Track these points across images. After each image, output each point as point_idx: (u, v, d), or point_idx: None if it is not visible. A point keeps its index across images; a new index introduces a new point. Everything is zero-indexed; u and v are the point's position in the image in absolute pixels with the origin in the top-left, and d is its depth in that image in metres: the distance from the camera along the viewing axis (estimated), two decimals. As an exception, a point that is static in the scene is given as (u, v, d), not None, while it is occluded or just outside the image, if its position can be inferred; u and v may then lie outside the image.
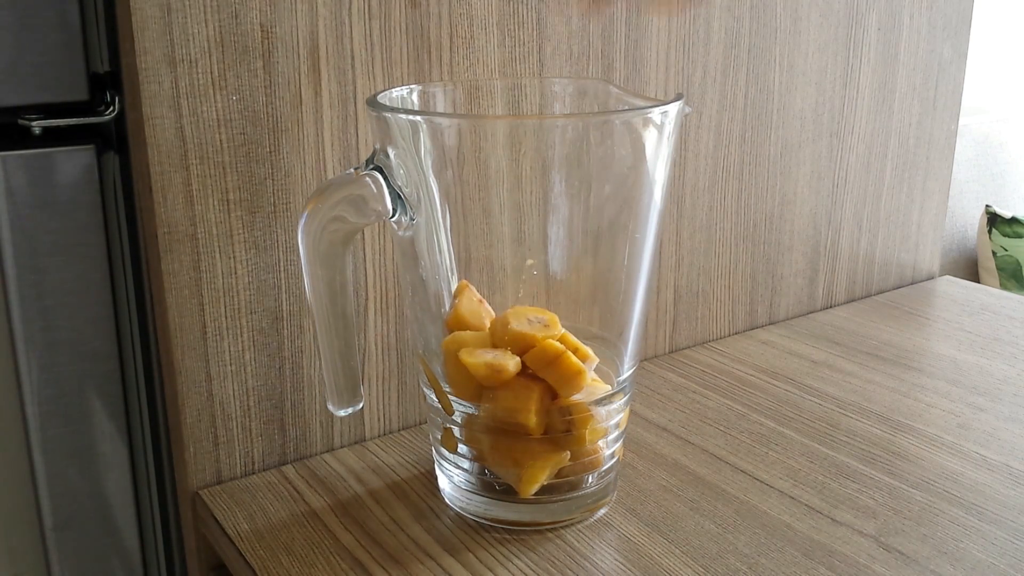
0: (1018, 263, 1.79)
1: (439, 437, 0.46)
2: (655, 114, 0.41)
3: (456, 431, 0.45)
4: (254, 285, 0.49)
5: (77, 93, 0.53)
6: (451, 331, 0.44)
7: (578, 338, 0.43)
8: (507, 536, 0.45)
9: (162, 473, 0.60)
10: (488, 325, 0.44)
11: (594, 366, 0.44)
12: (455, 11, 0.51)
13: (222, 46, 0.46)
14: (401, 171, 0.42)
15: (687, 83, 0.61)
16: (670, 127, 0.42)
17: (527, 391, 0.42)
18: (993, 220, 1.80)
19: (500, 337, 0.43)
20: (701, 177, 0.64)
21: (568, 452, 0.44)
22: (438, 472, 0.48)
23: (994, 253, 1.81)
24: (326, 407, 0.50)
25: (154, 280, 0.48)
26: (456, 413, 0.44)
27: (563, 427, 0.43)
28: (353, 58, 0.49)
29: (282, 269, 0.50)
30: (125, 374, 0.57)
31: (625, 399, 0.46)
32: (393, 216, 0.43)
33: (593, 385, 0.43)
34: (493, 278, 0.45)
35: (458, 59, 0.52)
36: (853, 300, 0.77)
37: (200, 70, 0.45)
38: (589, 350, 0.43)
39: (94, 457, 0.57)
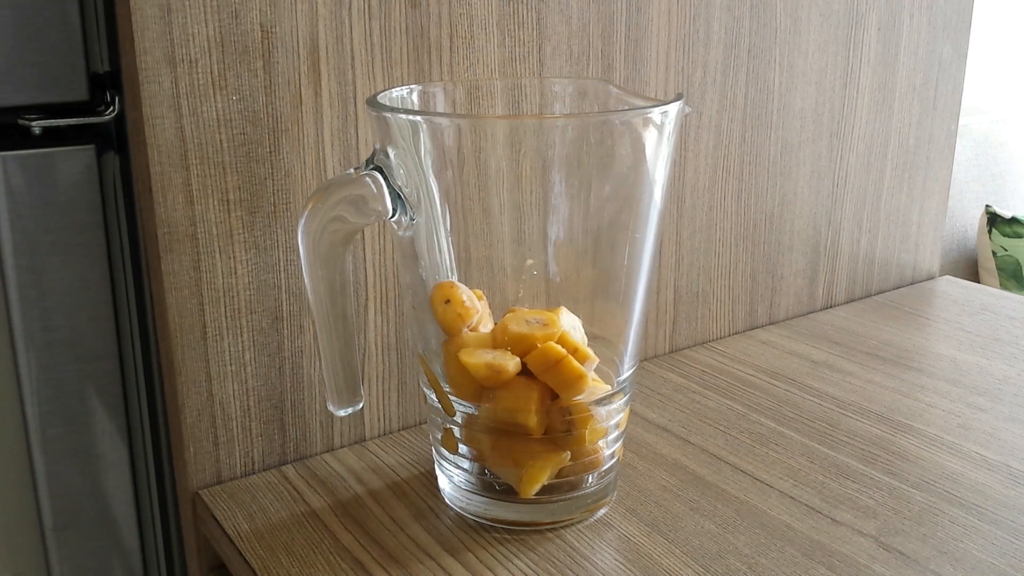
0: (1018, 263, 1.79)
1: (439, 437, 0.46)
2: (655, 114, 0.41)
3: (456, 431, 0.45)
4: (254, 285, 0.49)
5: (77, 93, 0.53)
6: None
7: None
8: (507, 536, 0.45)
9: (162, 473, 0.60)
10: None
11: (594, 366, 0.44)
12: (455, 11, 0.51)
13: (222, 46, 0.46)
14: (401, 171, 0.42)
15: (687, 83, 0.61)
16: (670, 127, 0.42)
17: (527, 391, 0.42)
18: (993, 220, 1.80)
19: (500, 340, 0.43)
20: (701, 177, 0.64)
21: (568, 452, 0.44)
22: (438, 472, 0.48)
23: (994, 253, 1.81)
24: (326, 407, 0.50)
25: (154, 280, 0.48)
26: (456, 413, 0.44)
27: (563, 427, 0.43)
28: (353, 58, 0.49)
29: (282, 269, 0.50)
30: (125, 374, 0.57)
31: (625, 399, 0.46)
32: (393, 216, 0.43)
33: (593, 385, 0.43)
34: (493, 278, 0.45)
35: (458, 59, 0.52)
36: (853, 300, 0.77)
37: (200, 70, 0.45)
38: (589, 350, 0.43)
39: (94, 457, 0.57)
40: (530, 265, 0.44)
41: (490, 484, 0.45)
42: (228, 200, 0.47)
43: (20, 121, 0.52)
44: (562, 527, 0.46)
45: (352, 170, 0.43)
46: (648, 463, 0.52)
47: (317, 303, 0.44)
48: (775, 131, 0.67)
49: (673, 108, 0.42)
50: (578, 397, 0.43)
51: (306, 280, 0.43)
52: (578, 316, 0.44)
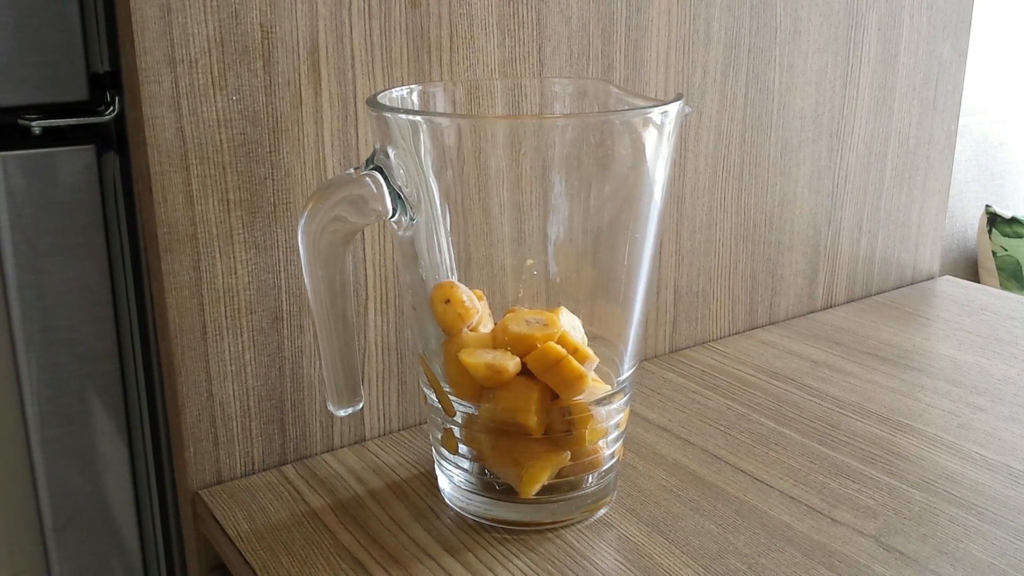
0: (1018, 263, 1.79)
1: (439, 437, 0.46)
2: (655, 114, 0.41)
3: (456, 431, 0.45)
4: (254, 285, 0.49)
5: (77, 93, 0.53)
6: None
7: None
8: (507, 536, 0.45)
9: (162, 473, 0.60)
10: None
11: (594, 366, 0.44)
12: (455, 11, 0.51)
13: (222, 46, 0.46)
14: (401, 171, 0.42)
15: (687, 83, 0.61)
16: (670, 127, 0.42)
17: (527, 391, 0.42)
18: (993, 220, 1.80)
19: (500, 340, 0.43)
20: (701, 177, 0.64)
21: (568, 452, 0.44)
22: (438, 472, 0.48)
23: (994, 253, 1.81)
24: (326, 407, 0.50)
25: (154, 280, 0.48)
26: (456, 413, 0.44)
27: (563, 427, 0.43)
28: (353, 58, 0.49)
29: (282, 269, 0.50)
30: (125, 374, 0.57)
31: (625, 399, 0.46)
32: (393, 216, 0.43)
33: (593, 385, 0.43)
34: (493, 278, 0.45)
35: (458, 59, 0.52)
36: (853, 300, 0.77)
37: (200, 70, 0.45)
38: (589, 350, 0.43)
39: (94, 457, 0.57)
40: (530, 265, 0.44)
41: (490, 484, 0.45)
42: (228, 200, 0.47)
43: (20, 121, 0.52)
44: (562, 527, 0.46)
45: (352, 170, 0.43)
46: (648, 463, 0.52)
47: (317, 303, 0.44)
48: (775, 131, 0.67)
49: (673, 108, 0.42)
50: (578, 397, 0.43)
51: (306, 280, 0.43)
52: (578, 316, 0.44)
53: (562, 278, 0.44)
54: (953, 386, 0.61)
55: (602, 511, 0.47)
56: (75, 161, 0.53)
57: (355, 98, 0.50)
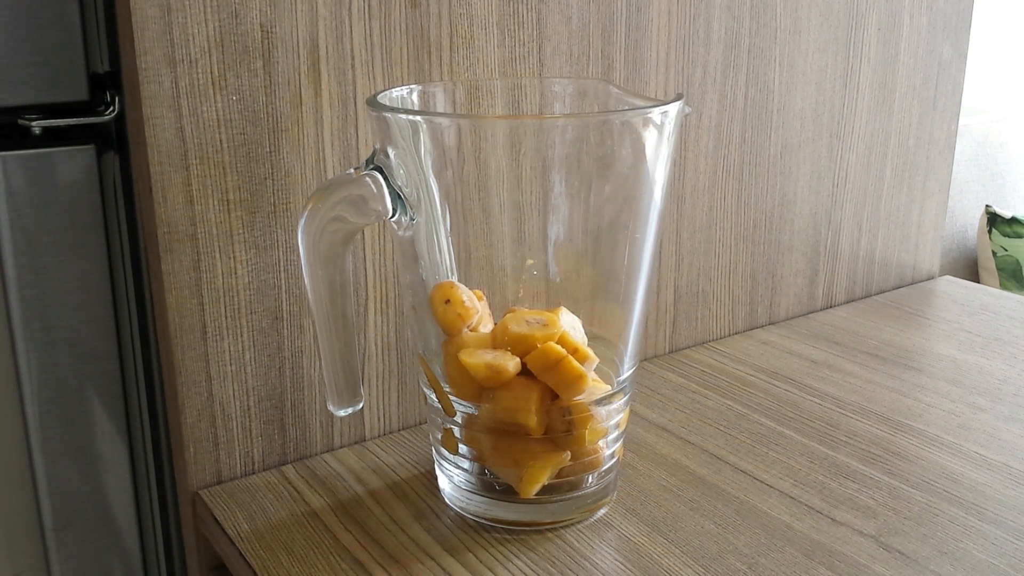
0: (1018, 263, 1.79)
1: (439, 437, 0.46)
2: (655, 114, 0.41)
3: (456, 431, 0.45)
4: (254, 285, 0.49)
5: (77, 93, 0.53)
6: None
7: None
8: (507, 536, 0.45)
9: (162, 473, 0.60)
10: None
11: (594, 366, 0.44)
12: (455, 11, 0.51)
13: (222, 46, 0.46)
14: (401, 171, 0.42)
15: (687, 83, 0.61)
16: (670, 127, 0.42)
17: (527, 391, 0.42)
18: (993, 220, 1.80)
19: (500, 340, 0.43)
20: (701, 177, 0.64)
21: (568, 452, 0.44)
22: (438, 472, 0.48)
23: (994, 253, 1.81)
24: (326, 407, 0.50)
25: (154, 280, 0.48)
26: (456, 413, 0.44)
27: (563, 427, 0.43)
28: (353, 58, 0.49)
29: (282, 269, 0.50)
30: (125, 374, 0.57)
31: (625, 399, 0.46)
32: (393, 216, 0.43)
33: (593, 385, 0.43)
34: (493, 278, 0.45)
35: (458, 59, 0.52)
36: (853, 300, 0.77)
37: (200, 70, 0.45)
38: (589, 350, 0.43)
39: (94, 457, 0.57)
40: (530, 265, 0.44)
41: (490, 484, 0.45)
42: (228, 200, 0.47)
43: (20, 121, 0.52)
44: (562, 527, 0.46)
45: (352, 170, 0.43)
46: (648, 463, 0.52)
47: (317, 303, 0.44)
48: (775, 131, 0.67)
49: (673, 108, 0.42)
50: (578, 397, 0.43)
51: (306, 280, 0.43)
52: (578, 316, 0.44)
53: (562, 278, 0.44)
54: (953, 386, 0.61)
55: (602, 511, 0.47)
56: (75, 161, 0.53)
57: (355, 98, 0.50)
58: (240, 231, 0.48)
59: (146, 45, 0.44)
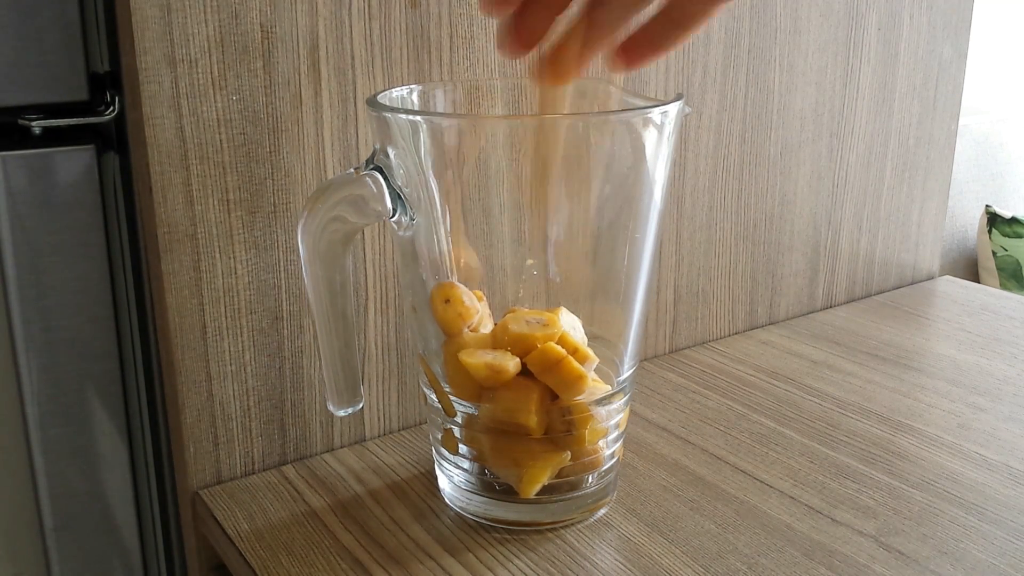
0: (1018, 263, 1.79)
1: (439, 437, 0.46)
2: (655, 114, 0.41)
3: (456, 431, 0.45)
4: (254, 285, 0.49)
5: (77, 93, 0.53)
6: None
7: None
8: (507, 536, 0.45)
9: (162, 473, 0.60)
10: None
11: (594, 366, 0.44)
12: (455, 11, 0.51)
13: (222, 46, 0.46)
14: (401, 171, 0.42)
15: (687, 83, 0.61)
16: (670, 127, 0.42)
17: (527, 391, 0.42)
18: (993, 220, 1.80)
19: (500, 340, 0.43)
20: (701, 177, 0.64)
21: (568, 452, 0.44)
22: (438, 472, 0.48)
23: (994, 253, 1.81)
24: (326, 407, 0.50)
25: (154, 280, 0.48)
26: (456, 413, 0.44)
27: (563, 427, 0.43)
28: (353, 58, 0.49)
29: (282, 269, 0.50)
30: (125, 374, 0.57)
31: (625, 399, 0.46)
32: (393, 216, 0.43)
33: (593, 385, 0.43)
34: (493, 278, 0.45)
35: (458, 59, 0.52)
36: (853, 300, 0.77)
37: (200, 70, 0.45)
38: (589, 350, 0.43)
39: (94, 457, 0.57)
40: (530, 265, 0.44)
41: (490, 484, 0.45)
42: (228, 200, 0.47)
43: (20, 121, 0.52)
44: (562, 527, 0.46)
45: (352, 170, 0.43)
46: (648, 463, 0.52)
47: (317, 303, 0.44)
48: (775, 131, 0.67)
49: (673, 108, 0.42)
50: (578, 397, 0.43)
51: (306, 280, 0.43)
52: (578, 316, 0.44)
53: (562, 278, 0.44)
54: (953, 386, 0.61)
55: (602, 511, 0.47)
56: (75, 161, 0.53)
57: (355, 98, 0.50)
58: (240, 231, 0.48)
59: (146, 45, 0.44)
